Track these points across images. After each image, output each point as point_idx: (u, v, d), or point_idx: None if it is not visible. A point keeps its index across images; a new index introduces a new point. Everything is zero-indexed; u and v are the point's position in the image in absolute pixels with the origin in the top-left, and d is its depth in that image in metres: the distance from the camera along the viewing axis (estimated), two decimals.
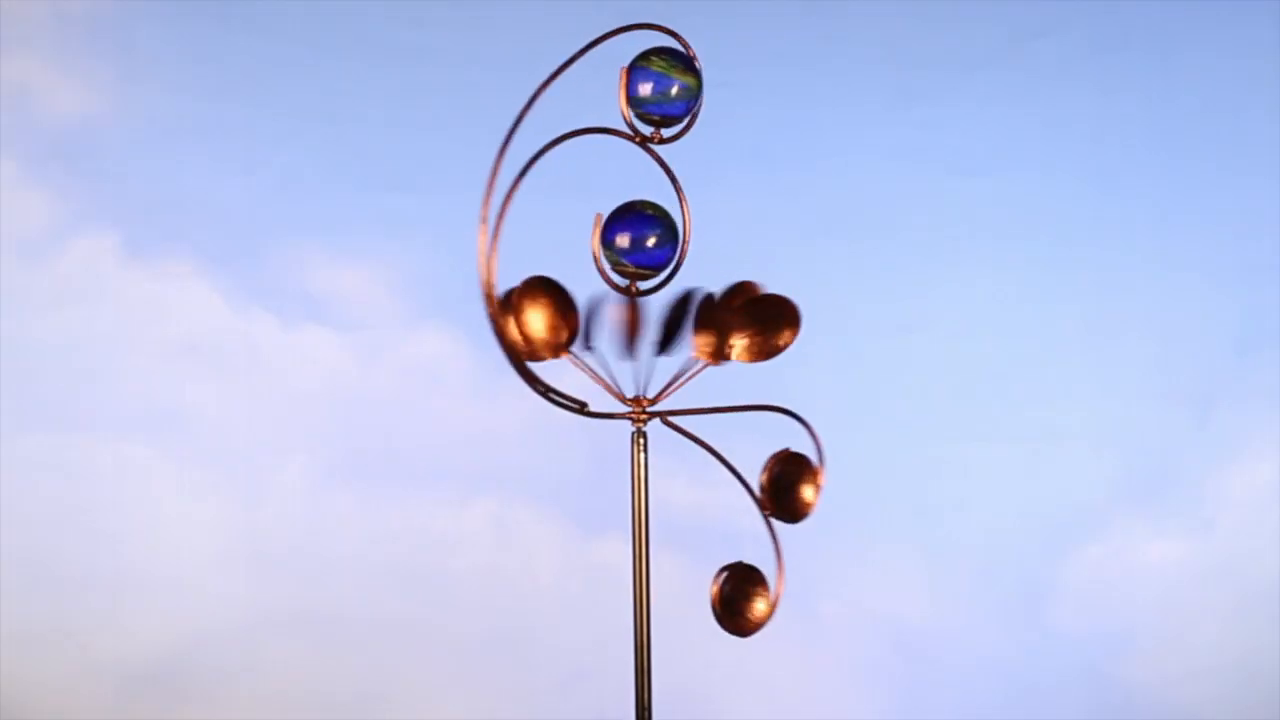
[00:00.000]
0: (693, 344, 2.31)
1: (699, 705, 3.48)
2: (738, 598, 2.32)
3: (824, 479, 2.32)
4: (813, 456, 2.32)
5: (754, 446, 2.36)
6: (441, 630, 3.54)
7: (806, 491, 2.32)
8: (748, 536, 3.47)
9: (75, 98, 3.61)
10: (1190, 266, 3.67)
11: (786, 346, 2.32)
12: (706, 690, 3.49)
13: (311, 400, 3.60)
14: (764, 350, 2.32)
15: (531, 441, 3.54)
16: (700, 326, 2.31)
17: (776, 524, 2.34)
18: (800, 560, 2.35)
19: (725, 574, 2.33)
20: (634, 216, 2.32)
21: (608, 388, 2.32)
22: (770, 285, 2.32)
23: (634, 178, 2.35)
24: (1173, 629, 3.61)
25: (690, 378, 2.33)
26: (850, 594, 3.58)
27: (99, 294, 3.58)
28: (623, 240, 2.30)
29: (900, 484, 3.57)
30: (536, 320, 2.28)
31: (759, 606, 2.32)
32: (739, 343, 2.31)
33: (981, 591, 3.61)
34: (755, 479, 2.35)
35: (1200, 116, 3.70)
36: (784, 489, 2.33)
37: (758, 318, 2.31)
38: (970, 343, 3.64)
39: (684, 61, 2.32)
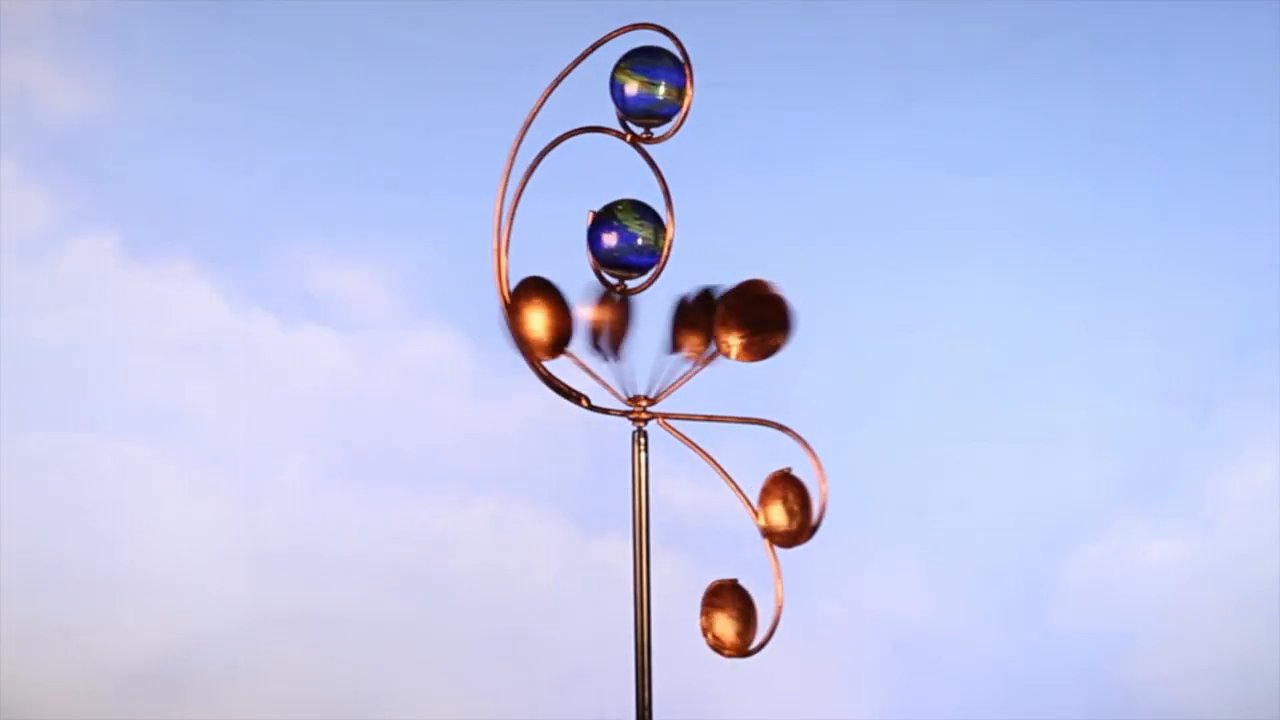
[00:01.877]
0: (683, 344, 2.31)
1: (699, 705, 3.48)
2: (738, 621, 2.30)
3: (825, 498, 2.29)
4: (810, 475, 2.29)
5: (754, 450, 2.36)
6: (441, 630, 3.54)
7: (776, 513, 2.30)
8: (749, 538, 3.47)
9: (75, 98, 3.61)
10: (1190, 266, 3.67)
11: (781, 347, 2.31)
12: (706, 690, 3.49)
13: (311, 400, 3.60)
14: (760, 350, 2.31)
15: (531, 441, 3.54)
16: (690, 326, 2.31)
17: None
18: (800, 560, 2.35)
19: (718, 594, 2.31)
20: (614, 219, 2.32)
21: (608, 387, 2.32)
22: (771, 285, 2.32)
23: (637, 177, 2.35)
24: (1173, 629, 3.62)
25: (688, 377, 2.32)
26: (850, 594, 3.58)
27: (99, 294, 3.58)
28: (609, 241, 2.31)
29: (900, 484, 3.57)
30: (535, 321, 2.28)
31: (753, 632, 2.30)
32: (735, 342, 2.30)
33: (981, 591, 3.61)
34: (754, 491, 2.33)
35: (1200, 116, 3.70)
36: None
37: (753, 317, 2.30)
38: (970, 343, 3.64)
39: (669, 62, 2.32)
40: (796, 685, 3.53)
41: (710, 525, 3.51)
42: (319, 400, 3.60)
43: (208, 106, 3.61)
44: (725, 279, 2.32)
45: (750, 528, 3.30)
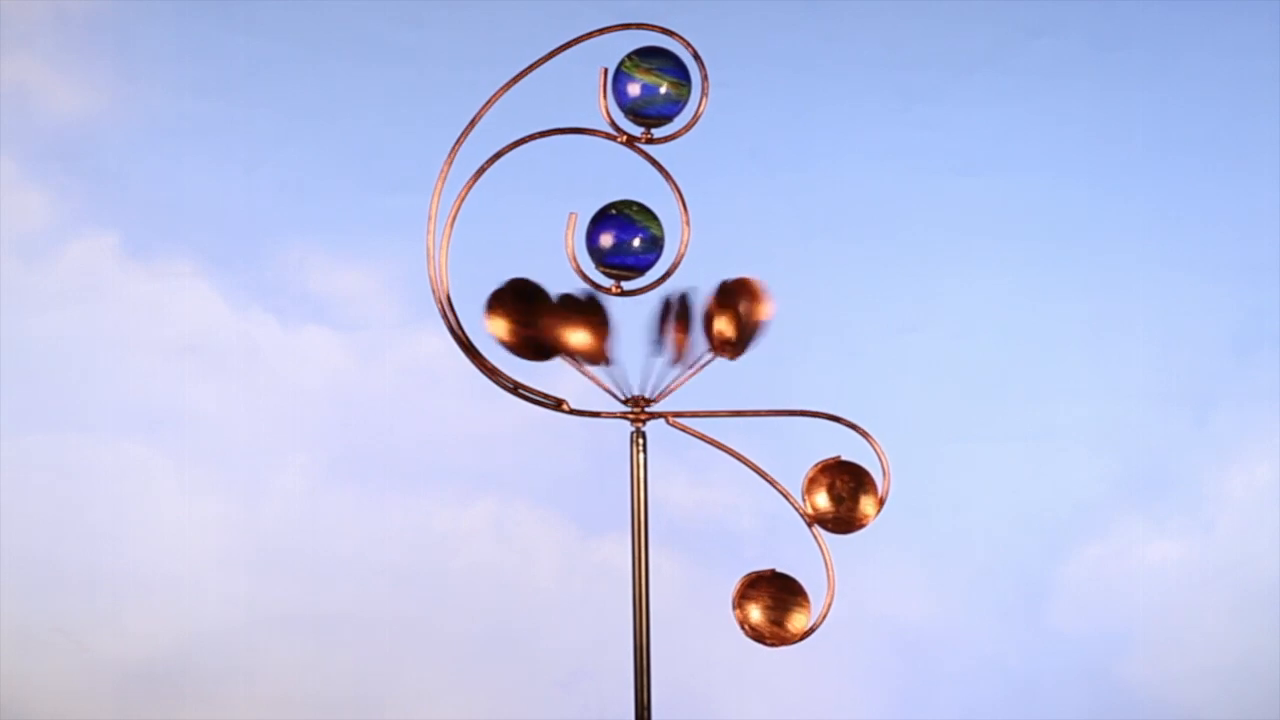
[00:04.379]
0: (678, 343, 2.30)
1: (699, 705, 3.48)
2: (775, 610, 2.31)
3: (888, 487, 2.31)
4: (870, 466, 2.32)
5: (755, 447, 2.36)
6: (441, 630, 3.54)
7: (867, 504, 2.32)
8: (749, 537, 3.48)
9: (75, 98, 3.61)
10: (1190, 266, 3.67)
11: (764, 323, 2.30)
12: (706, 690, 3.49)
13: (311, 400, 3.60)
14: (746, 335, 2.30)
15: (531, 441, 3.54)
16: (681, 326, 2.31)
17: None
18: (801, 561, 2.35)
19: (755, 586, 2.31)
20: (617, 217, 2.32)
21: (605, 388, 2.32)
22: (772, 285, 2.32)
23: (638, 178, 2.35)
24: (1173, 629, 3.62)
25: (689, 376, 2.32)
26: (850, 594, 3.57)
27: (99, 294, 3.58)
28: (606, 241, 2.30)
29: (900, 484, 3.57)
30: (502, 332, 2.28)
31: (799, 619, 2.31)
32: (724, 331, 2.30)
33: (981, 591, 3.61)
34: (796, 487, 2.34)
35: (1201, 116, 3.70)
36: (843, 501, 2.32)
37: (728, 304, 2.30)
38: (970, 343, 3.64)
39: (672, 63, 2.32)
40: (796, 685, 3.53)
41: (709, 525, 3.51)
42: (319, 400, 3.60)
43: (208, 106, 3.61)
44: (723, 278, 2.32)
45: (750, 525, 3.31)
